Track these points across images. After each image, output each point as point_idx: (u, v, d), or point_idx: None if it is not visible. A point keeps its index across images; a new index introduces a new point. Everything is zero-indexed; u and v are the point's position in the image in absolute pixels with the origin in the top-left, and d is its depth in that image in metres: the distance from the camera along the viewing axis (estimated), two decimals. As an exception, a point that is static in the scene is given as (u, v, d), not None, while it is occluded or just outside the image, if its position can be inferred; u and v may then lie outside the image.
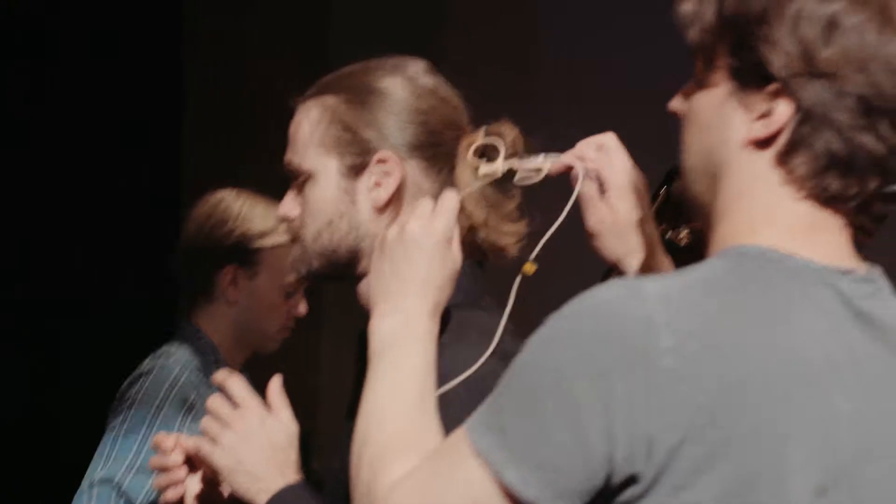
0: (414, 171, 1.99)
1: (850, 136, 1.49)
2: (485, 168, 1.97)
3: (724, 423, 1.44)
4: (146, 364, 3.04)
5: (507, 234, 1.99)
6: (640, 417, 1.44)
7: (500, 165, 1.96)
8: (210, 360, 3.04)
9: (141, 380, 2.99)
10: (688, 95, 1.60)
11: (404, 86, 2.00)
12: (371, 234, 1.99)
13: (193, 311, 3.11)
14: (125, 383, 3.01)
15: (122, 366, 3.10)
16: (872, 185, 1.52)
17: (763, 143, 1.52)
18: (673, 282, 1.49)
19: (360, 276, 2.01)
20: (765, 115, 1.51)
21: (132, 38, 4.79)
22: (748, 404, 1.45)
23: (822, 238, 1.54)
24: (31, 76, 4.75)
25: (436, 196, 1.89)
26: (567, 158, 1.96)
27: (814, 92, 1.49)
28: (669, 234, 2.16)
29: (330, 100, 2.02)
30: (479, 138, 1.99)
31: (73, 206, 4.79)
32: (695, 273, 1.51)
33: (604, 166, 1.94)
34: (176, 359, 3.03)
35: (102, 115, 4.78)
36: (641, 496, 1.46)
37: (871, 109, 1.49)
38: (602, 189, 1.94)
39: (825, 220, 1.54)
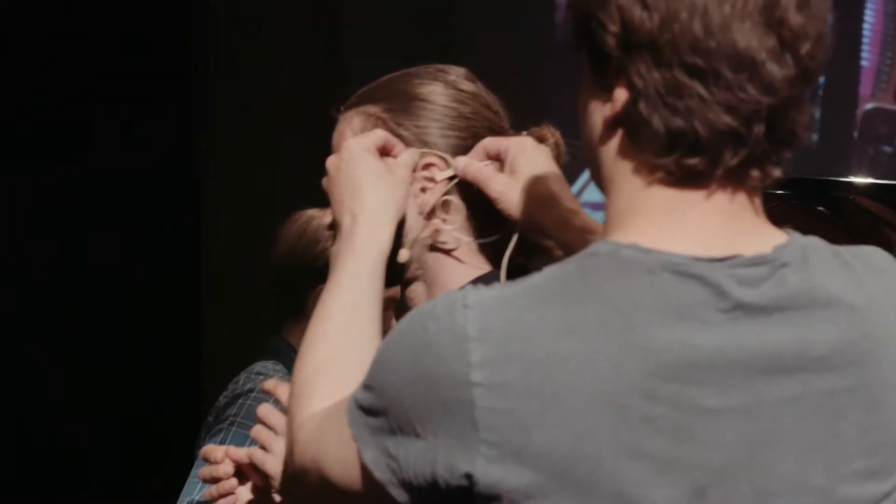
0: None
1: (686, 107, 1.42)
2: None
3: (541, 442, 1.40)
4: (243, 382, 3.03)
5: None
6: (460, 436, 1.42)
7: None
8: None
9: (241, 400, 2.97)
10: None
11: (445, 91, 2.03)
12: (419, 239, 2.02)
13: (285, 328, 3.12)
14: (222, 401, 3.01)
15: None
16: (728, 156, 1.44)
17: (612, 127, 1.49)
18: (507, 290, 1.45)
19: (410, 281, 2.05)
20: (609, 97, 1.48)
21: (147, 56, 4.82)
22: (567, 420, 1.39)
23: (690, 225, 1.46)
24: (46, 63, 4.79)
25: (480, 202, 1.94)
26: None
27: (642, 67, 1.43)
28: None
29: (371, 108, 2.04)
30: (522, 141, 2.02)
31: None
32: (533, 280, 1.46)
33: (507, 146, 1.98)
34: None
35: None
36: (486, 500, 1.43)
37: (699, 74, 1.42)
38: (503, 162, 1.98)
39: (691, 205, 1.46)
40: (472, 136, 2.02)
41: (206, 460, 2.08)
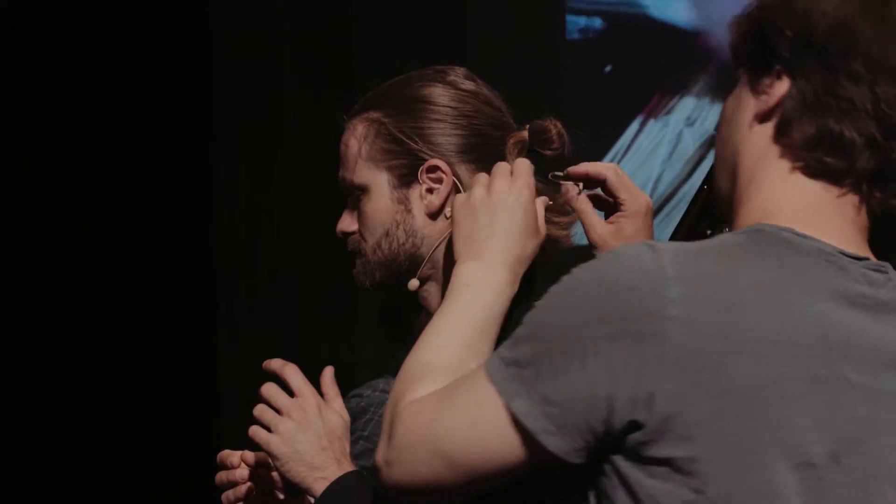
0: (464, 174, 2.03)
1: (839, 109, 1.61)
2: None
3: (728, 377, 1.53)
4: (368, 396, 3.02)
5: (560, 226, 2.04)
6: (645, 365, 1.53)
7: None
8: None
9: (370, 413, 2.96)
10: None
11: (445, 92, 2.05)
12: (428, 239, 2.04)
13: (399, 348, 3.10)
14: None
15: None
16: (863, 162, 1.61)
17: (764, 119, 1.66)
18: (688, 245, 1.60)
19: (423, 281, 2.07)
20: (766, 92, 1.65)
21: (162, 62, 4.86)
22: (753, 361, 1.53)
23: (832, 223, 1.63)
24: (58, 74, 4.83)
25: None
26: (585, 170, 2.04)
27: (809, 69, 1.62)
28: (709, 232, 2.21)
29: (374, 114, 2.07)
30: (525, 136, 2.03)
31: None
32: (710, 242, 1.61)
33: (620, 188, 2.03)
34: None
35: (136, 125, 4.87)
36: (645, 444, 1.54)
37: (858, 81, 1.61)
38: (614, 208, 2.03)
39: (828, 203, 1.64)
40: (475, 133, 2.05)
41: (223, 465, 2.10)
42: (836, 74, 1.61)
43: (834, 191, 1.64)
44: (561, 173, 2.03)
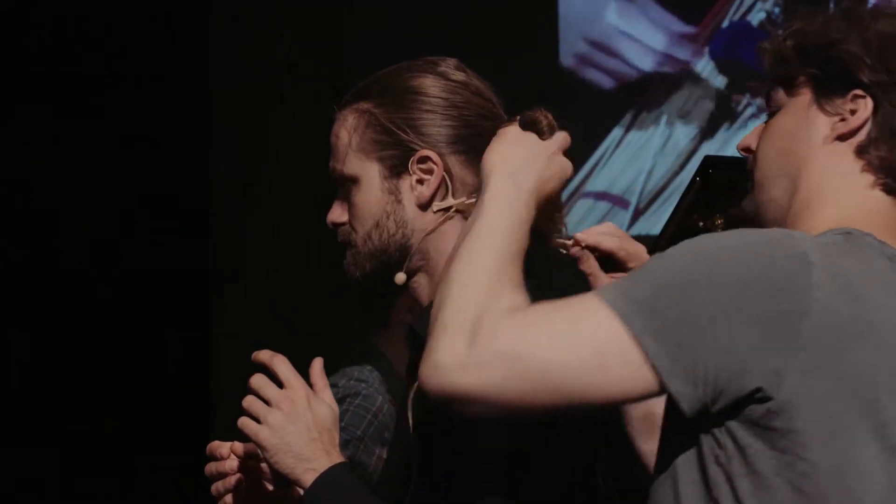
0: (455, 164, 2.03)
1: None
2: None
3: (849, 361, 1.65)
4: (343, 386, 3.00)
5: (553, 219, 2.03)
6: (783, 339, 1.63)
7: None
8: (395, 386, 2.97)
9: (345, 403, 2.95)
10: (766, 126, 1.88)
11: (436, 82, 2.04)
12: (418, 230, 2.03)
13: (374, 334, 3.10)
14: None
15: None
16: None
17: (843, 138, 1.81)
18: (814, 237, 1.73)
19: (414, 272, 2.06)
20: (850, 114, 1.80)
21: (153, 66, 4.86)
22: (873, 348, 1.66)
23: None
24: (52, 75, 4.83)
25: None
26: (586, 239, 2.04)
27: (890, 97, 1.79)
28: (702, 223, 2.21)
29: (364, 105, 2.06)
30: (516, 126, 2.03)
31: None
32: (821, 238, 1.73)
33: (619, 248, 2.02)
34: (375, 389, 2.98)
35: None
36: (767, 414, 1.64)
37: None
38: (619, 268, 2.03)
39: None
40: (465, 124, 2.04)
41: (212, 456, 2.09)
42: None
43: None
44: (568, 242, 2.03)
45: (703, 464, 1.68)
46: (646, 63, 4.71)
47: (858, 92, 1.80)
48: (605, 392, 1.64)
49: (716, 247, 1.69)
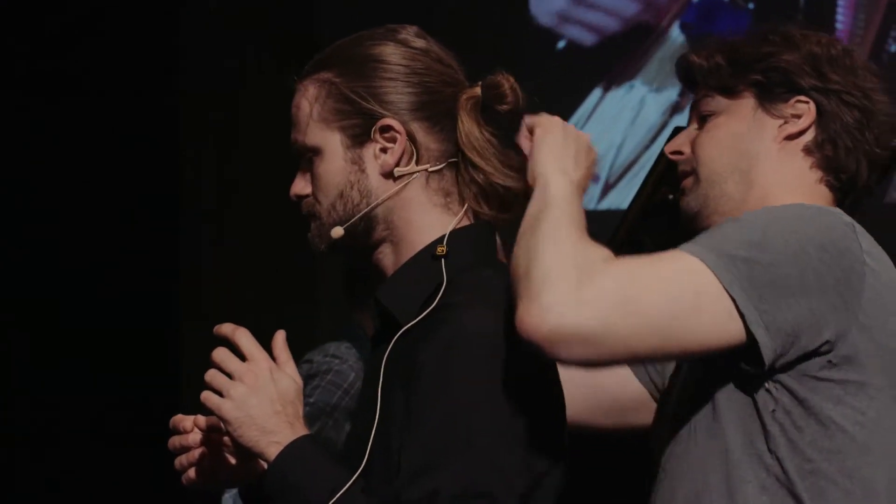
0: (418, 132, 2.01)
1: (854, 134, 2.02)
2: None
3: (893, 325, 1.89)
4: (318, 361, 2.99)
5: (517, 181, 2.00)
6: (850, 302, 1.85)
7: None
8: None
9: (317, 379, 2.94)
10: (700, 129, 2.08)
11: (397, 50, 2.02)
12: (383, 199, 2.00)
13: (359, 312, 3.08)
14: None
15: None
16: (865, 177, 2.04)
17: (791, 138, 2.03)
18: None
19: (378, 243, 2.03)
20: (794, 117, 2.03)
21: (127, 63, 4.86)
22: None
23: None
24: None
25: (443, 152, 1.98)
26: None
27: (828, 101, 2.02)
28: (671, 197, 2.19)
29: (325, 74, 2.03)
30: (478, 92, 2.00)
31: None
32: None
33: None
34: (350, 365, 3.00)
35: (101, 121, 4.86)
36: (829, 367, 1.85)
37: (866, 115, 2.03)
38: None
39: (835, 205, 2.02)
40: (427, 91, 2.02)
41: (175, 429, 2.07)
42: (848, 106, 2.02)
43: (841, 199, 2.05)
44: None
45: (761, 419, 1.86)
46: (614, 30, 4.64)
47: (801, 98, 2.02)
48: (700, 337, 1.81)
49: (784, 212, 1.90)
